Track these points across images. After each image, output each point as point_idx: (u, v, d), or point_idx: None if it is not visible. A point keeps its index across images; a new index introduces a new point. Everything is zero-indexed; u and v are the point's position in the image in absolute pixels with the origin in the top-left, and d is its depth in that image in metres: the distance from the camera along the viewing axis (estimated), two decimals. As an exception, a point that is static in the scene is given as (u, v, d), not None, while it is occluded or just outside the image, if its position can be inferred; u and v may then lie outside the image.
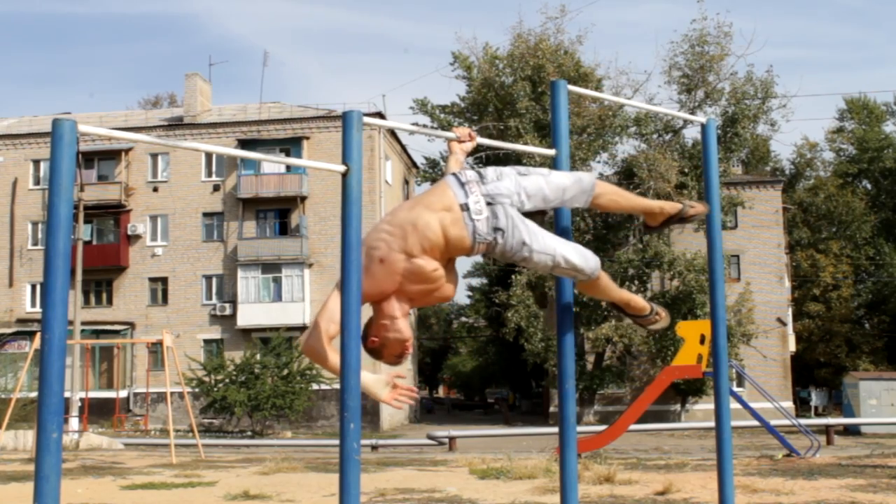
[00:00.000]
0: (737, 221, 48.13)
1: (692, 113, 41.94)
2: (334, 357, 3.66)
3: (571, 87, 4.70)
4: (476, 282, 78.39)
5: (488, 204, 3.82)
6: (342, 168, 3.47)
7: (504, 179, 3.94)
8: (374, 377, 3.80)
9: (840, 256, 57.65)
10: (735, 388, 31.13)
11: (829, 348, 58.17)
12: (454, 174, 4.00)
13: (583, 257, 3.98)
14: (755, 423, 26.29)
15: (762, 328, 43.57)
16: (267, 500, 10.29)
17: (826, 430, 27.44)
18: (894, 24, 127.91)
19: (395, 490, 11.23)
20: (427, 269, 3.78)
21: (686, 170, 44.04)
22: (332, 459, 19.18)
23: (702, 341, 20.04)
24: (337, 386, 36.82)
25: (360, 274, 3.46)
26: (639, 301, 4.40)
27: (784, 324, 49.12)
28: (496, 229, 3.80)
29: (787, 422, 24.44)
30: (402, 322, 3.87)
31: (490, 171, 3.99)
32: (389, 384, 3.81)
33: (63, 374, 2.89)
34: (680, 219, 4.39)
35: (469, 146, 4.39)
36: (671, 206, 4.39)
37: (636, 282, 44.12)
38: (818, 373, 58.87)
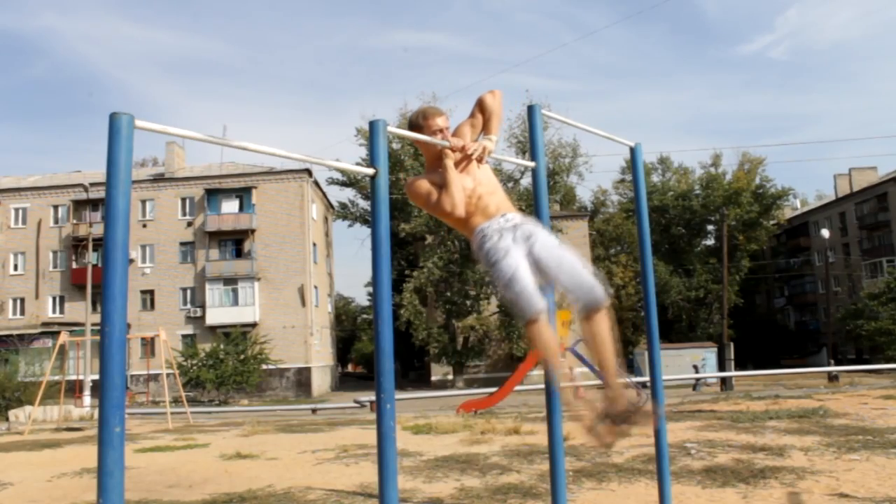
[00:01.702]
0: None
1: (525, 169, 42.91)
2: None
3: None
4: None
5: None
6: (371, 171, 2.95)
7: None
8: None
9: (626, 266, 59.26)
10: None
11: (621, 329, 59.72)
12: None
13: (520, 310, 3.32)
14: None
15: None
16: (256, 459, 9.64)
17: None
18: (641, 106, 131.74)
19: (353, 446, 10.43)
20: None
21: (523, 207, 44.89)
22: (290, 421, 18.76)
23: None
24: (280, 366, 36.50)
25: (389, 267, 2.92)
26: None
27: (591, 313, 50.16)
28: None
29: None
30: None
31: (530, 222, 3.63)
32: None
33: (124, 366, 2.19)
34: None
35: (459, 157, 3.53)
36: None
37: (490, 287, 44.60)
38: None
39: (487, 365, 47.54)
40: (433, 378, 48.55)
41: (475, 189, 3.51)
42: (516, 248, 3.37)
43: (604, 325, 3.36)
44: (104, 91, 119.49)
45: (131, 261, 44.89)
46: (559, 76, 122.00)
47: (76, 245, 46.02)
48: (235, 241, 46.87)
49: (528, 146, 4.23)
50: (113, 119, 2.25)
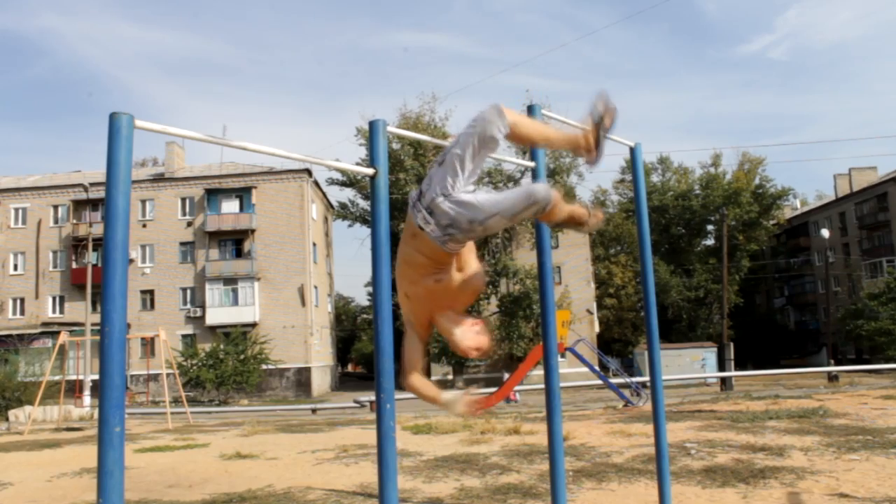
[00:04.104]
0: (558, 243, 48.86)
1: (525, 169, 42.81)
2: (422, 382, 3.24)
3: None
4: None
5: (430, 213, 2.92)
6: (371, 171, 2.93)
7: (432, 183, 2.97)
8: (452, 395, 3.23)
9: (626, 266, 59.18)
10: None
11: (621, 329, 59.71)
12: (410, 198, 3.09)
13: (528, 198, 2.86)
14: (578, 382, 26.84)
15: (577, 316, 44.47)
16: (256, 459, 9.66)
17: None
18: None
19: (353, 446, 10.47)
20: (429, 285, 3.07)
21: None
22: (291, 421, 18.76)
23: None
24: (280, 366, 36.46)
25: (389, 267, 2.92)
26: (580, 213, 3.06)
27: (591, 313, 50.24)
28: (446, 226, 2.92)
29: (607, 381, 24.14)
30: (460, 331, 3.11)
31: (424, 183, 3.03)
32: (462, 400, 3.21)
33: (123, 366, 2.18)
34: (602, 135, 3.05)
35: None
36: (588, 131, 3.05)
37: (489, 287, 44.55)
38: (614, 346, 60.36)
39: (487, 365, 47.49)
40: (433, 378, 48.54)
41: None
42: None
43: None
44: (104, 91, 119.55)
45: (131, 261, 44.88)
46: (559, 76, 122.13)
47: (76, 245, 46.01)
48: (235, 241, 46.84)
49: (524, 147, 4.20)
50: (113, 119, 2.24)
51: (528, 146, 3.28)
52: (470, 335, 3.13)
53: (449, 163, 2.93)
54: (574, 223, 3.10)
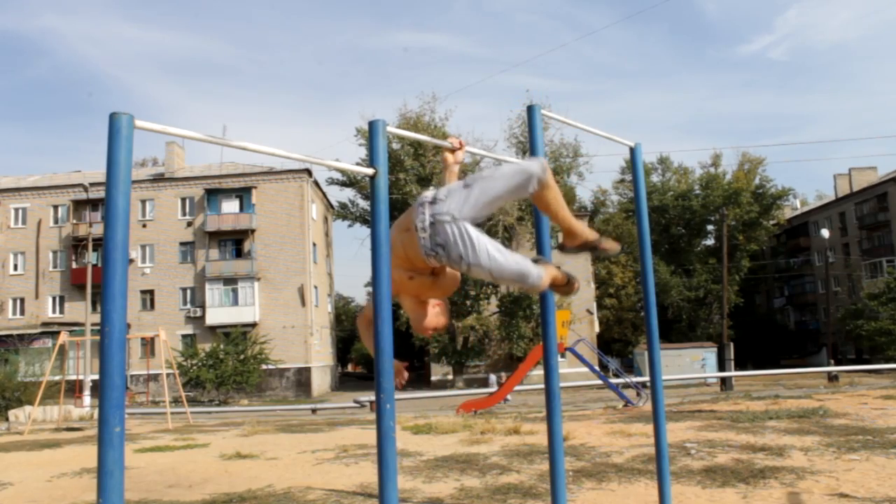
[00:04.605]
0: (558, 242, 48.41)
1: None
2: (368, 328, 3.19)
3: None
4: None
5: (432, 224, 3.02)
6: (371, 171, 2.89)
7: (450, 198, 3.06)
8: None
9: (626, 266, 59.16)
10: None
11: (621, 329, 59.69)
12: (422, 196, 3.19)
13: (519, 276, 3.09)
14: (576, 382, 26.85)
15: (577, 316, 44.37)
16: (256, 459, 9.61)
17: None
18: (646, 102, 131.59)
19: (353, 446, 10.41)
20: (403, 278, 3.19)
21: (523, 206, 44.75)
22: (291, 421, 18.74)
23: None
24: (280, 366, 36.47)
25: (389, 266, 2.87)
26: (562, 280, 3.35)
27: (591, 313, 50.18)
28: (437, 245, 3.03)
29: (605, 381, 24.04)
30: (427, 316, 3.29)
31: (442, 191, 3.12)
32: (395, 369, 3.18)
33: (123, 366, 2.15)
34: (592, 247, 3.45)
35: (460, 155, 3.57)
36: (590, 234, 3.41)
37: (489, 287, 44.51)
38: (614, 346, 60.36)
39: (487, 365, 47.47)
40: (433, 378, 48.56)
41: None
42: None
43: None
44: (104, 91, 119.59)
45: (131, 261, 44.88)
46: (559, 76, 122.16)
47: (76, 245, 46.02)
48: (235, 241, 46.89)
49: (528, 146, 4.18)
50: (113, 119, 2.22)
51: (541, 209, 3.38)
52: (429, 316, 3.32)
53: (475, 189, 3.06)
54: (557, 290, 3.40)
